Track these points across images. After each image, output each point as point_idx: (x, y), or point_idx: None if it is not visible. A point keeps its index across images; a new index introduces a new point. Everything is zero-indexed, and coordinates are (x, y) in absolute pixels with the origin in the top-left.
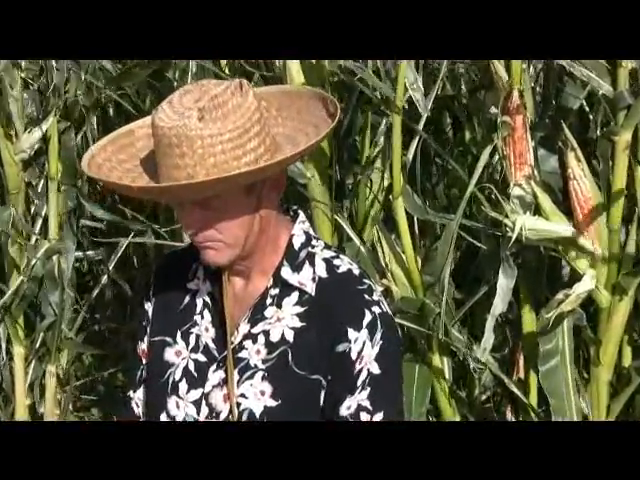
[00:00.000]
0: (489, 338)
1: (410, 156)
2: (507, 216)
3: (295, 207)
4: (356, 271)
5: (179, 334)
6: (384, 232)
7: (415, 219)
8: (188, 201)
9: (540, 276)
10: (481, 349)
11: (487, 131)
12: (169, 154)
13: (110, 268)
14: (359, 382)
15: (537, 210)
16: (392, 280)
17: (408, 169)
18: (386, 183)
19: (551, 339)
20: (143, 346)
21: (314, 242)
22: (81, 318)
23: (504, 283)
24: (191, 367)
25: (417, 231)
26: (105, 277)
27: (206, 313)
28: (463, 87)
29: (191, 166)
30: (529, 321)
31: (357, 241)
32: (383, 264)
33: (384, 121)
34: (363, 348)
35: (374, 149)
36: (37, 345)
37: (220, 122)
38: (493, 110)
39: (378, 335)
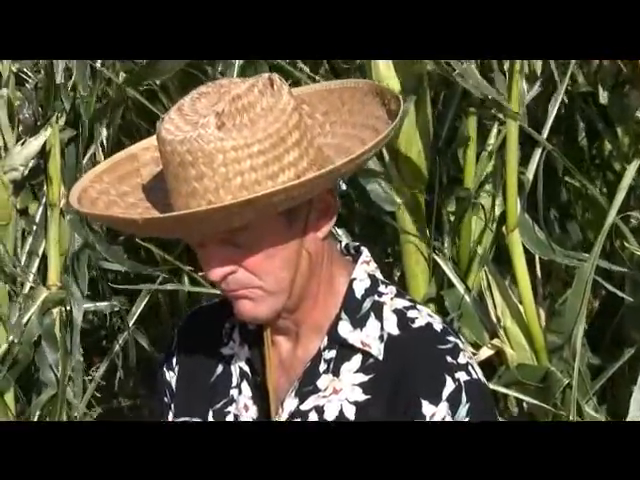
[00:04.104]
0: (636, 417)
1: (530, 175)
2: None
3: (357, 243)
4: (438, 326)
5: (211, 414)
6: (495, 276)
7: (537, 259)
8: (212, 236)
9: None
10: None
11: (633, 141)
12: (182, 177)
13: (131, 324)
14: None
15: None
16: (506, 340)
17: (528, 192)
18: (498, 211)
19: None
20: None
21: (382, 288)
22: (92, 389)
23: None
24: None
25: (539, 275)
26: (124, 335)
27: (245, 386)
28: (601, 84)
29: (212, 190)
30: None
31: (460, 288)
32: (494, 319)
33: (496, 128)
34: None
35: (484, 166)
36: None
37: (247, 130)
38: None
39: (463, 410)
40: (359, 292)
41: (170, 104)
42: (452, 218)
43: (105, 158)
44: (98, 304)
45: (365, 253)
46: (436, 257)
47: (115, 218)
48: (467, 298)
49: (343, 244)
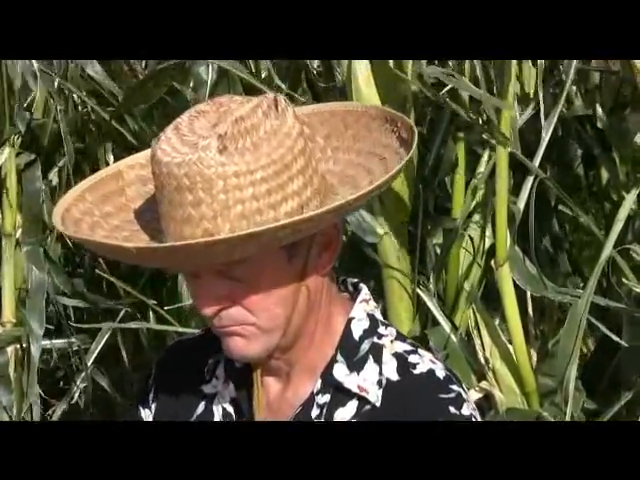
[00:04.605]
0: None
1: (522, 205)
2: None
3: (355, 280)
4: (440, 373)
5: None
6: (484, 314)
7: (528, 295)
8: (206, 269)
9: None
10: None
11: (632, 168)
12: (178, 202)
13: (90, 363)
14: None
15: None
16: (494, 383)
17: (519, 223)
18: (487, 244)
19: None
20: None
21: (382, 329)
22: None
23: None
24: None
25: (531, 313)
26: (83, 375)
27: None
28: (599, 106)
29: (210, 218)
30: None
31: (446, 326)
32: (482, 360)
33: (486, 155)
34: None
35: (472, 195)
36: None
37: (250, 154)
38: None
39: None
40: (357, 333)
41: (136, 126)
42: (438, 251)
43: (66, 185)
44: (56, 342)
45: (364, 291)
46: (421, 293)
47: (105, 245)
48: (453, 337)
49: (340, 280)
